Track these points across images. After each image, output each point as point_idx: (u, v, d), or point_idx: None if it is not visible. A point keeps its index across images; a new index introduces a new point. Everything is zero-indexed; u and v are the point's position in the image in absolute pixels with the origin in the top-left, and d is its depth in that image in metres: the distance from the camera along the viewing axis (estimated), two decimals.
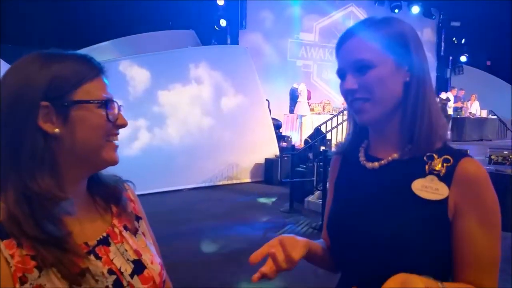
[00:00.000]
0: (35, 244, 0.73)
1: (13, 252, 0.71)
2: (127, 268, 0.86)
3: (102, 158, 0.84)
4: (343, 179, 1.11)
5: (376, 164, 1.01)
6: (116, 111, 0.85)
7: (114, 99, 0.86)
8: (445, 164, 0.93)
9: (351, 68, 0.96)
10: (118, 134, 0.87)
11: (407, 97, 0.96)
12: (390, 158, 0.99)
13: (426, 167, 0.94)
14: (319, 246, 1.10)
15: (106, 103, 0.83)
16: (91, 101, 0.81)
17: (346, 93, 0.98)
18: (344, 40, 0.98)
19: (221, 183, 9.45)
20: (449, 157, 0.93)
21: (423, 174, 0.94)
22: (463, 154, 0.96)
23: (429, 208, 0.91)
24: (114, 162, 0.87)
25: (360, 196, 1.01)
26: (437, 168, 0.93)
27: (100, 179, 0.93)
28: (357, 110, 0.98)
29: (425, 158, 0.95)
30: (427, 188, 0.92)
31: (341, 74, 1.00)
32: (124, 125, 0.87)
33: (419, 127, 0.95)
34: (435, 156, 0.94)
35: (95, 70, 0.85)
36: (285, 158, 9.04)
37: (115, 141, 0.87)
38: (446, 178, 0.92)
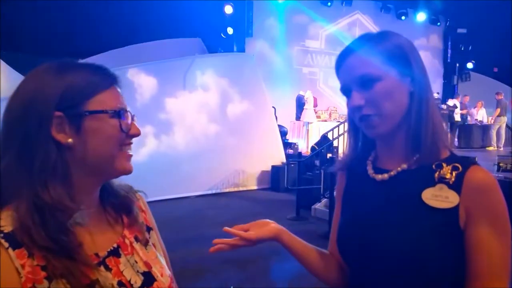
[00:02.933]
0: (46, 253, 0.72)
1: (24, 262, 0.71)
2: (137, 280, 0.85)
3: (116, 168, 0.84)
4: (351, 193, 1.11)
5: (385, 175, 1.01)
6: (129, 120, 0.85)
7: (127, 109, 0.86)
8: (454, 172, 0.92)
9: (356, 84, 0.96)
10: (131, 143, 0.87)
11: (411, 107, 0.97)
12: (399, 168, 0.99)
13: (436, 175, 0.94)
14: (308, 247, 1.11)
15: (119, 113, 0.83)
16: (104, 111, 0.81)
17: (354, 110, 0.99)
18: (344, 58, 0.99)
19: (227, 190, 9.45)
20: (457, 165, 0.93)
21: (432, 183, 0.93)
22: (471, 162, 0.95)
23: (440, 216, 0.90)
24: (127, 172, 0.86)
25: (371, 209, 1.00)
26: (446, 176, 0.92)
27: (112, 189, 0.93)
28: (367, 126, 0.98)
29: (433, 166, 0.95)
30: (437, 197, 0.91)
31: (346, 91, 1.00)
32: (137, 135, 0.87)
33: (424, 136, 0.95)
34: (444, 165, 0.94)
35: (109, 80, 0.85)
36: (292, 165, 9.02)
37: (129, 150, 0.86)
38: (456, 185, 0.91)
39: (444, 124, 1.00)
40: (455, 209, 0.90)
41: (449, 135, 1.02)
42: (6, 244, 0.71)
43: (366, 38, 0.99)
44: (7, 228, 0.72)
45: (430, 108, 0.97)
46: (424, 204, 0.92)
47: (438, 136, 0.96)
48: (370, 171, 1.05)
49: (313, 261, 1.11)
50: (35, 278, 0.71)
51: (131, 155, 0.87)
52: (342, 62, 0.99)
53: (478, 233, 0.89)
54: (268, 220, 1.08)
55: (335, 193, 1.20)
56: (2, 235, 0.71)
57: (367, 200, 1.03)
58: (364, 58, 0.96)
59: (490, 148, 12.29)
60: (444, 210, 0.90)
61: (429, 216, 0.91)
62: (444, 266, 0.89)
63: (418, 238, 0.90)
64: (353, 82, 0.97)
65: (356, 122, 1.02)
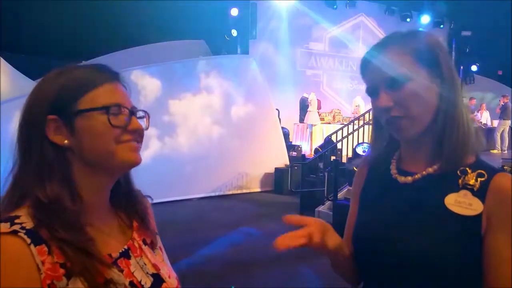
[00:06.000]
0: (64, 247, 0.74)
1: (44, 259, 0.72)
2: (147, 282, 0.87)
3: (119, 161, 0.84)
4: (371, 192, 1.08)
5: (409, 178, 0.98)
6: (125, 115, 0.85)
7: (126, 104, 0.86)
8: (479, 179, 0.90)
9: (384, 84, 0.94)
10: (135, 139, 0.86)
11: (439, 110, 0.94)
12: (424, 172, 0.97)
13: (460, 181, 0.92)
14: (347, 252, 1.05)
15: (109, 109, 0.82)
16: (93, 109, 0.81)
17: (381, 111, 0.96)
18: (371, 57, 0.96)
19: (230, 192, 9.45)
20: (483, 172, 0.91)
21: (456, 189, 0.91)
22: (497, 169, 0.93)
23: (462, 223, 0.88)
24: (133, 162, 0.86)
25: (391, 210, 0.98)
26: (471, 183, 0.90)
27: (125, 193, 0.95)
28: (396, 129, 0.96)
29: (458, 172, 0.93)
30: (461, 203, 0.89)
31: (372, 91, 0.97)
32: (136, 129, 0.86)
33: (450, 141, 0.93)
34: (469, 171, 0.92)
35: (103, 76, 0.85)
36: (295, 167, 9.02)
37: (132, 143, 0.86)
38: (480, 193, 0.89)
39: (474, 128, 0.95)
40: (478, 217, 0.88)
41: (479, 140, 0.98)
42: (29, 240, 0.72)
43: (396, 37, 0.97)
44: (29, 225, 0.74)
45: (458, 111, 0.94)
46: (446, 210, 0.90)
47: (466, 140, 0.93)
48: (393, 170, 1.03)
49: (347, 264, 1.07)
50: (54, 275, 0.72)
51: (136, 147, 0.86)
52: (369, 62, 0.97)
53: (494, 241, 0.87)
54: (322, 221, 0.92)
55: (352, 188, 1.16)
56: (24, 231, 0.72)
57: (388, 201, 1.00)
58: (394, 58, 0.93)
59: (494, 151, 12.33)
60: (466, 217, 0.88)
61: (450, 222, 0.89)
62: (460, 272, 0.88)
63: (438, 243, 0.88)
64: (382, 83, 0.94)
65: (383, 124, 0.99)
